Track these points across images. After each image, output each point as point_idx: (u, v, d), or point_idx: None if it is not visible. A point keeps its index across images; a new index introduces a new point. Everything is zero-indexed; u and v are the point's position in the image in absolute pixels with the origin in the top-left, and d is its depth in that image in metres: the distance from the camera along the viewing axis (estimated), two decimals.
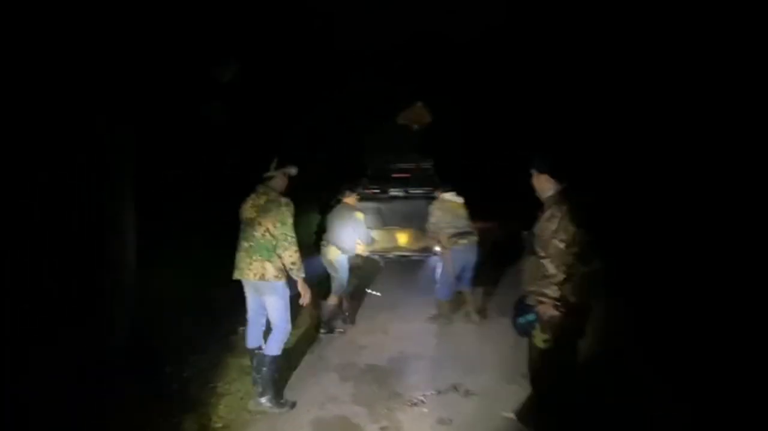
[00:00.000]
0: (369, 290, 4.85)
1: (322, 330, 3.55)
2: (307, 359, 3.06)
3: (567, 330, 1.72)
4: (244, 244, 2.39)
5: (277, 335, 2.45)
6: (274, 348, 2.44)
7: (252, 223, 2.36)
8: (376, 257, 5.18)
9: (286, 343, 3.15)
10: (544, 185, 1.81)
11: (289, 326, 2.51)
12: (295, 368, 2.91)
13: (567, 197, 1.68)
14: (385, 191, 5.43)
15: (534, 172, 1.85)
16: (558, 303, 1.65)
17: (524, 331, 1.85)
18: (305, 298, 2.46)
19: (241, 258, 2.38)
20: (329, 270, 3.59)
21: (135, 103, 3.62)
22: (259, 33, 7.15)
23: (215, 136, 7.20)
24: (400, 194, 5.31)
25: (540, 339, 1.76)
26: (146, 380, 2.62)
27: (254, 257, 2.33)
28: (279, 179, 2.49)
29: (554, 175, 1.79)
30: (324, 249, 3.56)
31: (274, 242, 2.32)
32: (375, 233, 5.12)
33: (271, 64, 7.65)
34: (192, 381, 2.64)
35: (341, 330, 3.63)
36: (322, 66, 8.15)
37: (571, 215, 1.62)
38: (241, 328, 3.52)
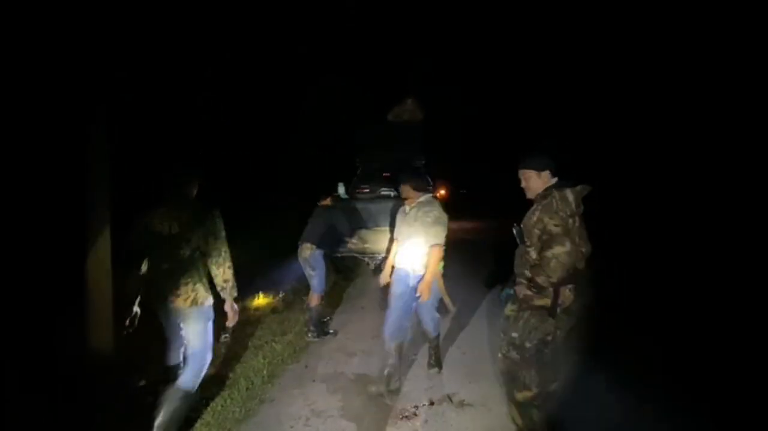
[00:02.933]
0: (366, 260, 4.70)
1: (310, 335, 3.41)
2: (293, 369, 2.88)
3: (535, 309, 1.86)
4: (164, 266, 1.99)
5: (195, 365, 2.04)
6: (189, 381, 2.02)
7: (174, 239, 1.97)
8: (366, 259, 5.03)
9: (267, 355, 3.02)
10: (532, 184, 1.94)
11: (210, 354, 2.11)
12: (279, 379, 2.72)
13: (550, 193, 1.84)
14: (375, 191, 5.27)
15: (523, 171, 1.96)
16: (531, 284, 1.84)
17: (503, 302, 2.04)
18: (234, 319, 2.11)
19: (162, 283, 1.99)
20: (305, 270, 3.45)
21: (112, 101, 3.48)
22: (245, 30, 6.94)
23: (203, 135, 7.00)
24: (391, 193, 5.14)
25: (509, 309, 1.99)
26: (116, 394, 2.43)
27: (183, 280, 1.96)
28: (194, 185, 2.12)
29: (541, 173, 1.92)
30: (300, 248, 3.46)
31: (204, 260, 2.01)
32: (364, 234, 4.96)
33: (260, 61, 7.44)
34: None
35: (332, 332, 3.52)
36: (312, 62, 7.97)
37: (547, 209, 1.81)
38: (224, 335, 3.36)
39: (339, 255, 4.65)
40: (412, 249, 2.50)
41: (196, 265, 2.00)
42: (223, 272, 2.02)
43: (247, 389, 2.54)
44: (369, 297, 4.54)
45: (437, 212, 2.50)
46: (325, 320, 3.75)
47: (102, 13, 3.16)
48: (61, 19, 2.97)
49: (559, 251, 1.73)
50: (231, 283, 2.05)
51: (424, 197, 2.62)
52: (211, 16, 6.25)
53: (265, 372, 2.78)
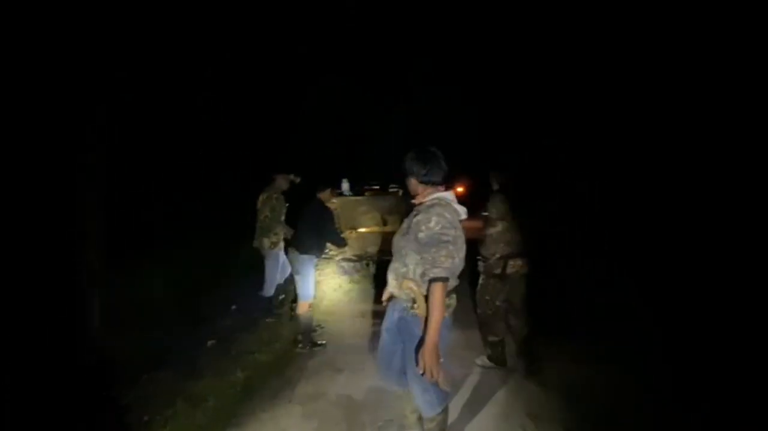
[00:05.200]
0: (365, 263, 4.42)
1: (299, 346, 3.12)
2: (271, 386, 2.58)
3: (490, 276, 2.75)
4: (258, 225, 3.67)
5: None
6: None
7: (260, 211, 3.66)
8: (365, 262, 4.71)
9: (248, 367, 2.82)
10: (492, 183, 2.82)
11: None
12: (252, 398, 2.43)
13: (498, 192, 2.75)
14: (384, 188, 4.94)
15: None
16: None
17: None
18: None
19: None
20: (294, 274, 3.17)
21: (112, 101, 3.41)
22: (245, 30, 6.85)
23: (203, 135, 6.89)
24: (400, 191, 4.82)
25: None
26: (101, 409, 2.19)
27: (266, 233, 3.59)
28: (281, 180, 3.69)
29: (497, 178, 2.81)
30: (289, 250, 3.20)
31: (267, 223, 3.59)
32: (364, 235, 4.66)
33: (260, 61, 7.33)
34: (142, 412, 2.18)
35: (322, 343, 3.22)
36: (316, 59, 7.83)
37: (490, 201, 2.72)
38: (210, 341, 3.13)
39: (331, 257, 4.35)
40: (398, 273, 1.60)
41: (269, 225, 3.55)
42: (280, 228, 3.61)
43: (214, 409, 2.25)
44: (370, 304, 4.19)
45: (438, 224, 1.47)
46: (317, 329, 3.44)
47: (102, 14, 3.05)
48: (62, 19, 2.86)
49: (491, 230, 2.68)
50: (285, 235, 3.63)
51: (435, 197, 1.60)
52: (211, 16, 6.16)
53: (239, 388, 2.50)
